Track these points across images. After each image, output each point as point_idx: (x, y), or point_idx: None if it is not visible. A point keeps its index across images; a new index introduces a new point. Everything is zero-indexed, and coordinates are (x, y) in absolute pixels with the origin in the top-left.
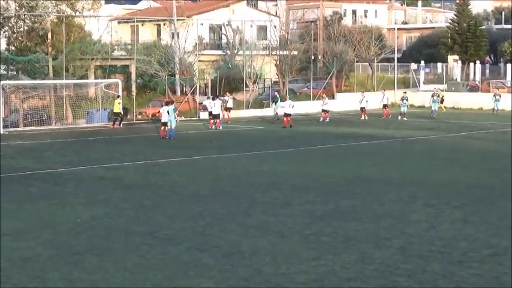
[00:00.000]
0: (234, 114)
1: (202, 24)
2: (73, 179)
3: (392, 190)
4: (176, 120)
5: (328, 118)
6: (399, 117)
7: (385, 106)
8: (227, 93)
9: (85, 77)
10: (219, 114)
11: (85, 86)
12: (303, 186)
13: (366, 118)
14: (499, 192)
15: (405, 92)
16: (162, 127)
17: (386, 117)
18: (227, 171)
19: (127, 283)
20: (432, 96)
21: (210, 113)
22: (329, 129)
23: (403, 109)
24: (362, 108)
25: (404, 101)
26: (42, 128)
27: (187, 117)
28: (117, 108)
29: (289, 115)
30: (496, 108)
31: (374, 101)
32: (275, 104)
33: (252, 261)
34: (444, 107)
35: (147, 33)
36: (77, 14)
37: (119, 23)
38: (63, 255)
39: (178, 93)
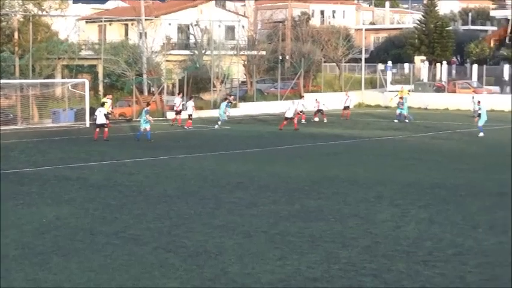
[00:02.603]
0: (203, 114)
1: (170, 24)
2: (38, 179)
3: (358, 190)
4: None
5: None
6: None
7: (346, 108)
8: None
9: (52, 76)
10: (191, 115)
11: (52, 86)
12: (269, 186)
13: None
14: (464, 192)
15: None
16: (97, 129)
17: (345, 119)
18: (194, 172)
19: (92, 283)
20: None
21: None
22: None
23: (404, 111)
24: (346, 108)
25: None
26: (7, 127)
27: (154, 117)
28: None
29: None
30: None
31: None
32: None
33: (218, 261)
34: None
35: (114, 33)
36: (44, 13)
37: (86, 22)
38: (28, 256)
39: (146, 93)
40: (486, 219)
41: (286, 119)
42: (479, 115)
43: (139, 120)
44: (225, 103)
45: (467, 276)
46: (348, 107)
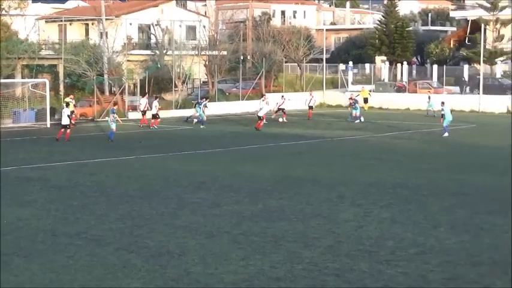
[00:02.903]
0: (164, 114)
1: (131, 24)
2: None
3: (320, 190)
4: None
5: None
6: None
7: (310, 108)
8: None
9: (11, 76)
10: (157, 114)
11: (12, 86)
12: (232, 186)
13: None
14: (425, 192)
15: (350, 99)
16: (62, 129)
17: (307, 118)
18: (156, 172)
19: (54, 284)
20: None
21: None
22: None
23: (357, 112)
24: (310, 107)
25: (355, 103)
26: None
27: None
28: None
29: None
30: (431, 109)
31: (301, 101)
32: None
33: (180, 262)
34: (368, 107)
35: (75, 33)
36: (3, 12)
37: (46, 22)
38: None
39: (107, 93)
40: (447, 219)
41: (260, 118)
42: (443, 115)
43: (107, 121)
44: (204, 102)
45: (430, 275)
46: (312, 107)
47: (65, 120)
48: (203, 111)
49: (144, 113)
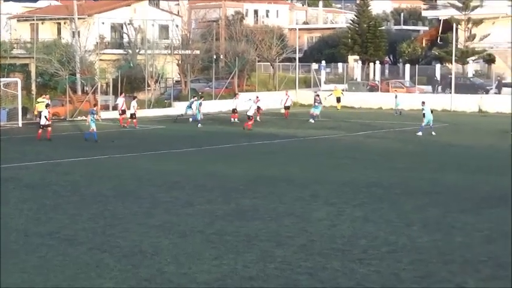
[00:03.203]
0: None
1: (103, 23)
2: None
3: (294, 189)
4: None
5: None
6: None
7: (287, 108)
8: (122, 94)
9: None
10: (135, 114)
11: None
12: (205, 185)
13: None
14: (398, 190)
15: (316, 93)
16: (40, 129)
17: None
18: (129, 171)
19: (26, 284)
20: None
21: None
22: (232, 129)
23: (316, 111)
24: (286, 107)
25: (318, 102)
26: None
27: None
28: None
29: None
30: (397, 108)
31: (276, 101)
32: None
33: (154, 261)
34: (341, 106)
35: (47, 32)
36: None
37: (18, 21)
38: None
39: (80, 92)
40: (420, 218)
41: (249, 117)
42: (424, 115)
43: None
44: (199, 101)
45: (402, 274)
46: (289, 107)
47: (43, 121)
48: (199, 110)
49: (123, 112)
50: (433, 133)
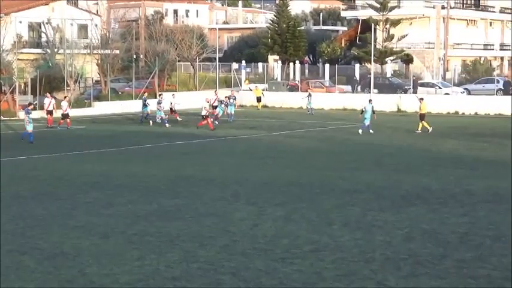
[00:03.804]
0: (56, 113)
1: (21, 22)
2: None
3: (215, 189)
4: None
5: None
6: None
7: (215, 107)
8: (48, 94)
9: None
10: (67, 114)
11: None
12: (125, 186)
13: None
14: (318, 189)
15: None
16: None
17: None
18: (48, 172)
19: None
20: (229, 99)
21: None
22: (152, 129)
23: (230, 110)
24: (214, 107)
25: (232, 101)
26: None
27: (6, 117)
28: None
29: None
30: (310, 107)
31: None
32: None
33: (75, 263)
34: (261, 106)
35: None
36: None
37: None
38: None
39: None
40: (340, 216)
41: (204, 117)
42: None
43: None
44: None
45: (324, 272)
46: (216, 106)
47: None
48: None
49: (49, 112)
50: (361, 131)
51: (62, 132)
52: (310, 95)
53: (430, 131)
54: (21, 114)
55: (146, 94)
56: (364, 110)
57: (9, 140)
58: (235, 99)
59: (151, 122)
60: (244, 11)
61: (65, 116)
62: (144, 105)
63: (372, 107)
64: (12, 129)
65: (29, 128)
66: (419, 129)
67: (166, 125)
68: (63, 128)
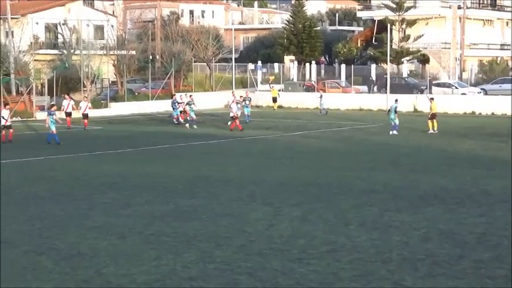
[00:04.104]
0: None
1: (37, 23)
2: None
3: (231, 189)
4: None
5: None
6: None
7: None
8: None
9: None
10: (87, 114)
11: None
12: (143, 186)
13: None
14: (335, 190)
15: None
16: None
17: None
18: (65, 173)
19: None
20: (244, 100)
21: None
22: (169, 129)
23: (247, 112)
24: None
25: (247, 102)
26: None
27: (23, 118)
28: None
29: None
30: (322, 108)
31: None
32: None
33: (92, 263)
34: (277, 106)
35: None
36: None
37: None
38: None
39: (14, 93)
40: (357, 216)
41: (234, 118)
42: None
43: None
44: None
45: (341, 273)
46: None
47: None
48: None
49: (68, 114)
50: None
51: (79, 133)
52: (321, 95)
53: (433, 131)
54: (38, 115)
55: (177, 96)
56: (390, 110)
57: (26, 140)
58: (250, 100)
59: (187, 125)
60: (260, 11)
61: (84, 116)
62: (174, 108)
63: (396, 107)
64: (33, 130)
65: (53, 128)
66: (434, 129)
67: (194, 126)
68: (80, 129)
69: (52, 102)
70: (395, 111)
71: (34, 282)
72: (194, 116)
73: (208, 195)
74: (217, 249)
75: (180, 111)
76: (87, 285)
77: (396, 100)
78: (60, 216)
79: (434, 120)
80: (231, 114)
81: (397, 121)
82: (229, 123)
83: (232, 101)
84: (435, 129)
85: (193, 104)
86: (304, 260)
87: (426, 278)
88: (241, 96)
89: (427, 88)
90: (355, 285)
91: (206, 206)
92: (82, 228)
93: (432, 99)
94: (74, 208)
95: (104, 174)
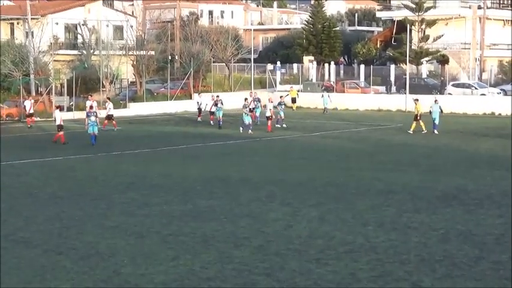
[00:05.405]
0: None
1: (57, 23)
2: None
3: (250, 189)
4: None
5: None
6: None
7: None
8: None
9: None
10: (112, 115)
11: None
12: (161, 186)
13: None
14: (353, 190)
15: (281, 97)
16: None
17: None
18: (84, 173)
19: None
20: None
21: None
22: (187, 130)
23: (257, 113)
24: (251, 110)
25: (282, 105)
26: None
27: (43, 118)
28: None
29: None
30: (326, 107)
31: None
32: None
33: (110, 263)
34: (296, 106)
35: None
36: None
37: None
38: None
39: (33, 93)
40: (375, 217)
41: (269, 118)
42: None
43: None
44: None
45: (359, 273)
46: (254, 108)
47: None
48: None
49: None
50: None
51: (99, 133)
52: (323, 95)
53: (424, 131)
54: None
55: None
56: (431, 110)
57: (45, 140)
58: (259, 101)
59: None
60: (279, 11)
61: (109, 117)
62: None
63: (440, 107)
64: (45, 130)
65: (91, 130)
66: (423, 128)
67: (250, 131)
68: (113, 130)
69: (91, 103)
70: (441, 111)
71: (53, 281)
72: (221, 116)
73: (227, 195)
74: (235, 250)
75: (211, 112)
76: (105, 285)
77: (436, 100)
78: (79, 216)
79: (421, 121)
80: (267, 114)
81: (437, 121)
82: (263, 122)
83: (251, 101)
84: (423, 129)
85: (221, 104)
86: (322, 261)
87: (444, 279)
88: (248, 97)
89: (446, 89)
90: (373, 285)
91: (224, 206)
92: (100, 228)
93: (417, 100)
94: (92, 208)
95: (123, 174)
